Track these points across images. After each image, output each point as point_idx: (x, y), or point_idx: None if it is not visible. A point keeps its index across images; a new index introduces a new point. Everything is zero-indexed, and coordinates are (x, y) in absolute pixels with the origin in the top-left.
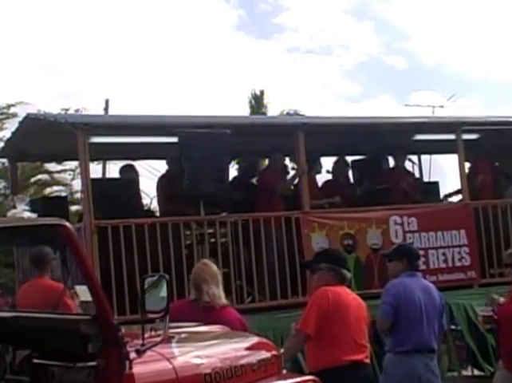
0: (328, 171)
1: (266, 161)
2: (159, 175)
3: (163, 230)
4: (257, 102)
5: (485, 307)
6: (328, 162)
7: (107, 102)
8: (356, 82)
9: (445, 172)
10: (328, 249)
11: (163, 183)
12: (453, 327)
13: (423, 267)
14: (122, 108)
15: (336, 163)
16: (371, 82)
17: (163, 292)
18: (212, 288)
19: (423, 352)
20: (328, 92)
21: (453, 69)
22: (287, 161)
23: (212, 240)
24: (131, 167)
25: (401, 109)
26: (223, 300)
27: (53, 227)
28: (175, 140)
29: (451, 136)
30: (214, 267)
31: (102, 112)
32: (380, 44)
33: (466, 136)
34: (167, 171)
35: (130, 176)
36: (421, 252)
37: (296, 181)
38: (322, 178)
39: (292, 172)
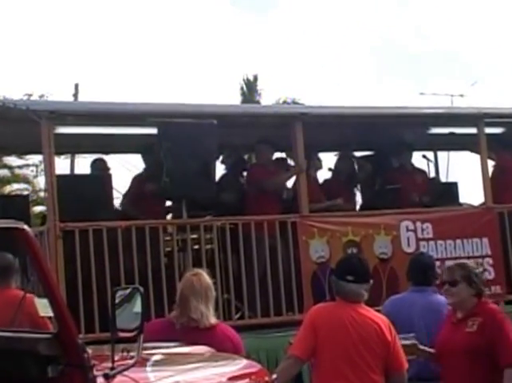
0: (330, 169)
1: None
2: (137, 173)
3: (140, 234)
4: (250, 88)
5: (406, 334)
6: (329, 158)
7: (76, 87)
8: (368, 66)
9: (465, 171)
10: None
11: (135, 182)
12: None
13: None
14: (94, 94)
15: (339, 159)
16: (386, 66)
17: (138, 307)
18: (201, 305)
19: (426, 380)
20: (335, 77)
21: (477, 53)
22: (282, 157)
23: (196, 247)
24: (104, 162)
25: (416, 98)
26: (211, 319)
27: (9, 230)
28: (153, 131)
29: (473, 130)
30: (208, 279)
31: (71, 99)
32: (397, 25)
33: (489, 130)
34: (145, 169)
35: (102, 172)
36: (437, 263)
37: (292, 179)
38: (323, 176)
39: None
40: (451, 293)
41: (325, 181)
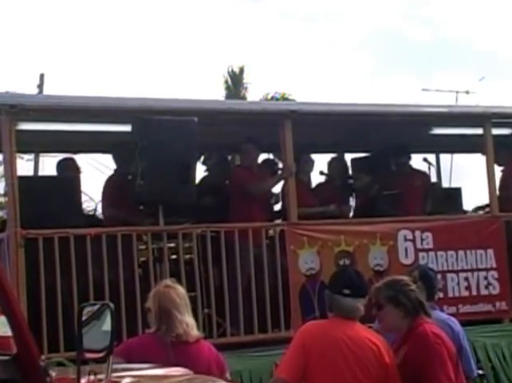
0: (321, 173)
1: None
2: (109, 174)
3: (111, 243)
4: (235, 82)
5: None
6: (321, 160)
7: (42, 77)
8: (367, 58)
9: (470, 176)
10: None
11: (110, 183)
12: (480, 372)
13: (439, 296)
14: (61, 86)
15: (331, 161)
16: (385, 58)
17: (107, 325)
18: (185, 317)
19: None
20: (331, 70)
21: (488, 45)
22: (271, 159)
23: (173, 257)
24: (73, 162)
25: (419, 94)
26: (196, 331)
27: None
28: (127, 128)
29: (478, 131)
30: (182, 289)
31: (35, 91)
32: (398, 10)
33: (496, 131)
34: (116, 169)
35: (70, 174)
36: (437, 276)
37: (280, 183)
38: (315, 180)
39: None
40: (379, 318)
41: (318, 185)
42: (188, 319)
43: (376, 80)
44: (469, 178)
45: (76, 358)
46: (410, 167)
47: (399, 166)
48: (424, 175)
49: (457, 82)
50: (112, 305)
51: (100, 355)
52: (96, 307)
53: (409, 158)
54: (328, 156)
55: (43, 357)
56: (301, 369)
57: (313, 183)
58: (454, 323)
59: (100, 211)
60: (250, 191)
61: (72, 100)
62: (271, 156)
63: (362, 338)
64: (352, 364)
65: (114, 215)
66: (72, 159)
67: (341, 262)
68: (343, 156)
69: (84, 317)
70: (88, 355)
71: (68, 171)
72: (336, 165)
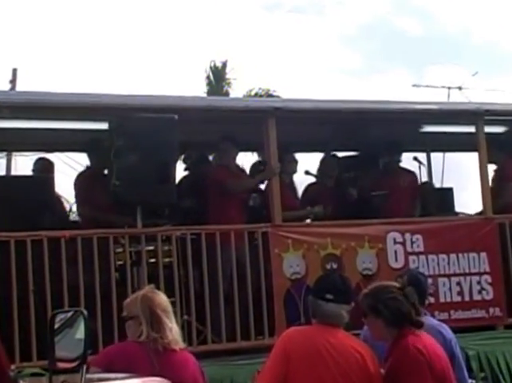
0: (306, 173)
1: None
2: (80, 170)
3: (87, 246)
4: (218, 77)
5: None
6: (306, 159)
7: (14, 72)
8: (356, 52)
9: (463, 176)
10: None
11: (81, 182)
12: (473, 382)
13: (430, 301)
14: (35, 81)
15: (323, 161)
16: (375, 52)
17: (81, 333)
18: (174, 324)
19: None
20: (319, 65)
21: (483, 39)
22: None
23: (152, 260)
24: (48, 161)
25: (409, 90)
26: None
27: None
28: (104, 126)
29: (471, 129)
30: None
31: (7, 87)
32: (388, 1)
33: (489, 129)
34: (88, 167)
35: (44, 173)
36: (428, 281)
37: (262, 182)
38: (299, 180)
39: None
40: (367, 326)
41: (310, 185)
42: (176, 326)
43: (365, 75)
44: (461, 177)
45: (49, 368)
46: (400, 167)
47: (390, 164)
48: (413, 175)
49: (450, 77)
50: (85, 312)
51: (73, 364)
52: (69, 314)
53: (399, 157)
54: (314, 155)
55: (13, 366)
56: (282, 376)
57: (297, 184)
58: (446, 330)
59: (75, 212)
60: (229, 189)
61: (46, 96)
62: (255, 155)
63: (345, 346)
64: (333, 371)
65: (88, 213)
66: (48, 159)
67: (328, 266)
68: (334, 155)
69: (56, 325)
70: (61, 365)
71: (43, 170)
72: (327, 165)
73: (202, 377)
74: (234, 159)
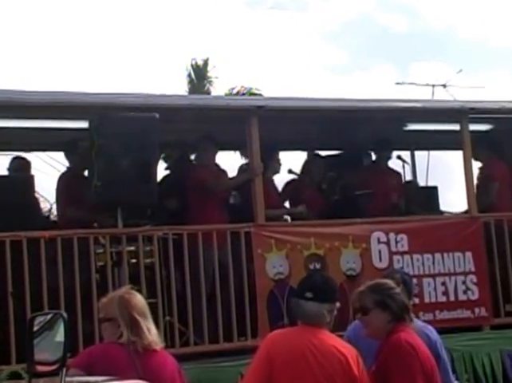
0: (290, 172)
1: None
2: (62, 171)
3: (67, 246)
4: (199, 76)
5: None
6: (290, 159)
7: None
8: (339, 49)
9: (449, 174)
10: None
11: (64, 182)
12: None
13: (415, 301)
14: (12, 79)
15: (308, 160)
16: (359, 49)
17: (60, 336)
18: (152, 325)
19: None
20: (303, 62)
21: (468, 35)
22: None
23: (133, 261)
24: (24, 160)
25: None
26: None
27: None
28: (84, 125)
29: (455, 127)
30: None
31: None
32: None
33: (474, 127)
34: (69, 167)
35: (22, 173)
36: (413, 281)
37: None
38: (283, 179)
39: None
40: (365, 323)
41: (287, 184)
42: (153, 327)
43: (349, 72)
44: (446, 176)
45: (28, 371)
46: (386, 165)
47: (379, 161)
48: (397, 174)
49: (435, 74)
50: (65, 314)
51: (53, 368)
52: (49, 317)
53: (384, 156)
54: (297, 154)
55: None
56: (266, 379)
57: (279, 183)
58: (431, 331)
59: (55, 212)
60: (209, 189)
61: (24, 95)
62: (237, 154)
63: (329, 348)
64: (317, 374)
65: (71, 214)
66: (25, 159)
67: (311, 266)
68: (319, 155)
69: (35, 328)
70: (40, 368)
71: (21, 170)
72: (313, 164)
73: (180, 376)
74: (214, 157)
